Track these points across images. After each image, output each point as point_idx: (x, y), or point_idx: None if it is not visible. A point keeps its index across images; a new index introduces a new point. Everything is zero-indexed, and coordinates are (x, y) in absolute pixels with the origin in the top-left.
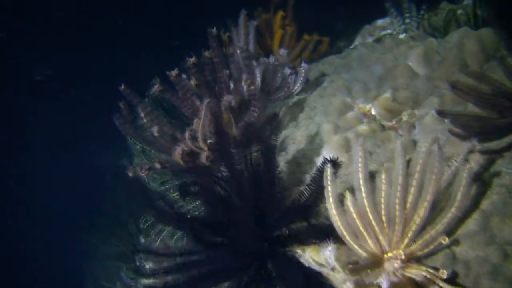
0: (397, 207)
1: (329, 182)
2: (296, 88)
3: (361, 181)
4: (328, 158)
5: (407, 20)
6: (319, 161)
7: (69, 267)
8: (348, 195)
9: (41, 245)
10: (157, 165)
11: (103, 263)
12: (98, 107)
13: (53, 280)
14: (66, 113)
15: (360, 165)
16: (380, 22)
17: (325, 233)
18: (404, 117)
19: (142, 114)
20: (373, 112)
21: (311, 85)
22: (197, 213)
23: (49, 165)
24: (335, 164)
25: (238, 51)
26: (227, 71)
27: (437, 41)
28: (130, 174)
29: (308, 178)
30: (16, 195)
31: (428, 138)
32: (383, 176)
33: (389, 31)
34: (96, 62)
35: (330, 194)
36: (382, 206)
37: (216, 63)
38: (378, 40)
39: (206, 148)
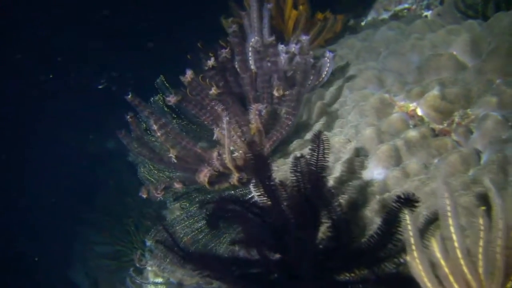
0: (497, 256)
1: (411, 233)
2: (320, 80)
3: (452, 229)
4: (402, 196)
5: None
6: (366, 175)
7: (60, 264)
8: (435, 245)
9: (29, 238)
10: (177, 185)
11: (97, 262)
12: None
13: (44, 279)
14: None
15: (449, 208)
16: None
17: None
18: (456, 118)
19: (154, 127)
20: (420, 113)
21: (334, 74)
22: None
23: (34, 151)
24: (411, 202)
25: (260, 45)
26: (251, 72)
27: (477, 23)
28: (144, 196)
29: (358, 200)
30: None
31: (490, 145)
32: (481, 221)
33: (406, 6)
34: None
35: (414, 247)
36: (480, 256)
37: (239, 61)
38: (396, 16)
39: (234, 169)
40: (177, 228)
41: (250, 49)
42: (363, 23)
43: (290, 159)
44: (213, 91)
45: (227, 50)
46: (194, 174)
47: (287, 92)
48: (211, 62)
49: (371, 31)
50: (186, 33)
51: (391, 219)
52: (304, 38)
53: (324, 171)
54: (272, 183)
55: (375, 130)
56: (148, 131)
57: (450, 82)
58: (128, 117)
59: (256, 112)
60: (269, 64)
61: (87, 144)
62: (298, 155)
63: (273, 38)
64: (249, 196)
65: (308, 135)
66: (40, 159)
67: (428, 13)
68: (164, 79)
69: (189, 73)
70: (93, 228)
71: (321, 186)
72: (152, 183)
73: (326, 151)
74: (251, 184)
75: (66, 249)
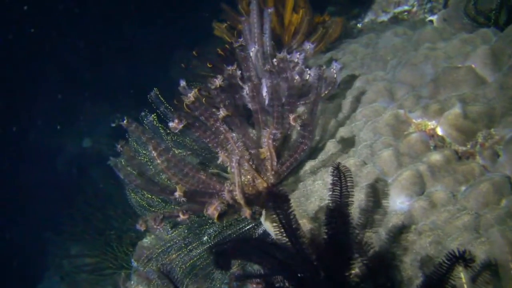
0: None
1: None
2: (327, 92)
3: None
4: (457, 254)
5: None
6: (389, 205)
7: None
8: None
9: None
10: (183, 216)
11: (74, 276)
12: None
13: None
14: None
15: None
16: None
17: None
18: (480, 139)
19: (154, 154)
20: (440, 132)
21: (340, 84)
22: None
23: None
24: (465, 260)
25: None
26: (258, 87)
27: (492, 32)
28: (142, 229)
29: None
30: None
31: None
32: None
33: (406, 8)
34: None
35: None
36: None
37: (247, 79)
38: (395, 19)
39: (246, 206)
40: (173, 256)
41: (253, 59)
42: (359, 25)
43: (301, 185)
44: (222, 113)
45: (234, 67)
46: (200, 205)
47: (303, 117)
48: (219, 81)
49: (373, 36)
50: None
51: (439, 276)
52: (309, 46)
53: (349, 208)
54: (294, 225)
55: (394, 152)
56: (139, 149)
57: (471, 99)
58: (119, 146)
59: (270, 136)
60: (279, 80)
61: (64, 144)
62: (332, 207)
63: (285, 54)
64: (256, 227)
65: (321, 156)
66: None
67: (433, 18)
68: (158, 92)
69: (192, 92)
70: (73, 241)
71: (348, 224)
72: (148, 210)
73: (349, 184)
74: (262, 218)
75: (42, 261)
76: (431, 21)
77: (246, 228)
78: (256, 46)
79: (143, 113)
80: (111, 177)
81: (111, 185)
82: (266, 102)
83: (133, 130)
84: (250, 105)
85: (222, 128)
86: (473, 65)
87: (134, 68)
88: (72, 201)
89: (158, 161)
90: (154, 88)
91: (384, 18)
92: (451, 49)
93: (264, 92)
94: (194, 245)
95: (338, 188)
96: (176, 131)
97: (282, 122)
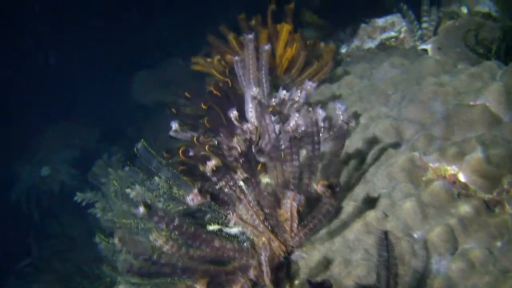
0: None
1: None
2: (331, 134)
3: None
4: None
5: (425, 25)
6: (419, 266)
7: None
8: None
9: None
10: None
11: None
12: None
13: None
14: None
15: None
16: (380, 22)
17: None
18: (505, 185)
19: (160, 243)
20: (463, 179)
21: None
22: None
23: None
24: None
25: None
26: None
27: (496, 65)
28: None
29: None
30: None
31: None
32: None
33: (393, 34)
34: None
35: None
36: None
37: (266, 138)
38: (383, 45)
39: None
40: None
41: (252, 100)
42: (343, 51)
43: (320, 245)
44: (241, 176)
45: (252, 128)
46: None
47: (332, 181)
48: (241, 146)
49: (367, 66)
50: None
51: None
52: (310, 86)
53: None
54: None
55: (417, 203)
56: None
57: (489, 141)
58: (117, 240)
59: (294, 199)
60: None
61: (19, 172)
62: None
63: (302, 101)
64: None
65: (345, 216)
66: None
67: (426, 46)
68: (145, 144)
69: (213, 162)
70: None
71: None
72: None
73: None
74: None
75: None
76: (424, 50)
77: None
78: (255, 89)
79: (126, 168)
80: (76, 213)
81: (77, 223)
82: (270, 144)
83: (151, 216)
84: (271, 168)
85: (236, 190)
86: (487, 103)
87: (95, 90)
88: (31, 245)
89: (167, 247)
90: (141, 140)
91: (371, 44)
92: (460, 85)
93: (269, 135)
94: None
95: (386, 268)
96: (193, 205)
97: (301, 178)
